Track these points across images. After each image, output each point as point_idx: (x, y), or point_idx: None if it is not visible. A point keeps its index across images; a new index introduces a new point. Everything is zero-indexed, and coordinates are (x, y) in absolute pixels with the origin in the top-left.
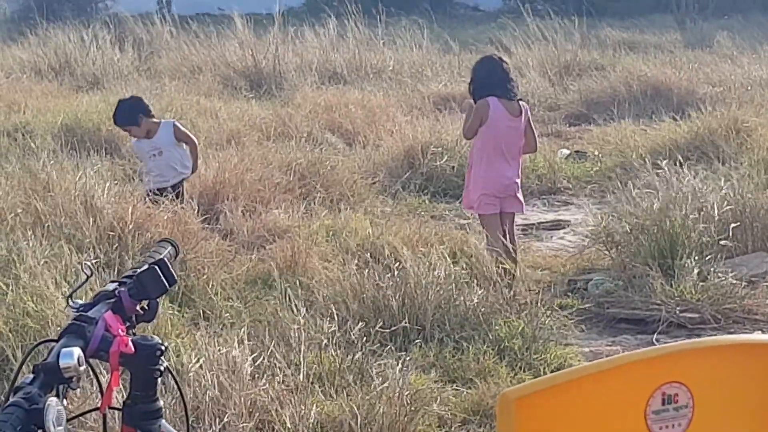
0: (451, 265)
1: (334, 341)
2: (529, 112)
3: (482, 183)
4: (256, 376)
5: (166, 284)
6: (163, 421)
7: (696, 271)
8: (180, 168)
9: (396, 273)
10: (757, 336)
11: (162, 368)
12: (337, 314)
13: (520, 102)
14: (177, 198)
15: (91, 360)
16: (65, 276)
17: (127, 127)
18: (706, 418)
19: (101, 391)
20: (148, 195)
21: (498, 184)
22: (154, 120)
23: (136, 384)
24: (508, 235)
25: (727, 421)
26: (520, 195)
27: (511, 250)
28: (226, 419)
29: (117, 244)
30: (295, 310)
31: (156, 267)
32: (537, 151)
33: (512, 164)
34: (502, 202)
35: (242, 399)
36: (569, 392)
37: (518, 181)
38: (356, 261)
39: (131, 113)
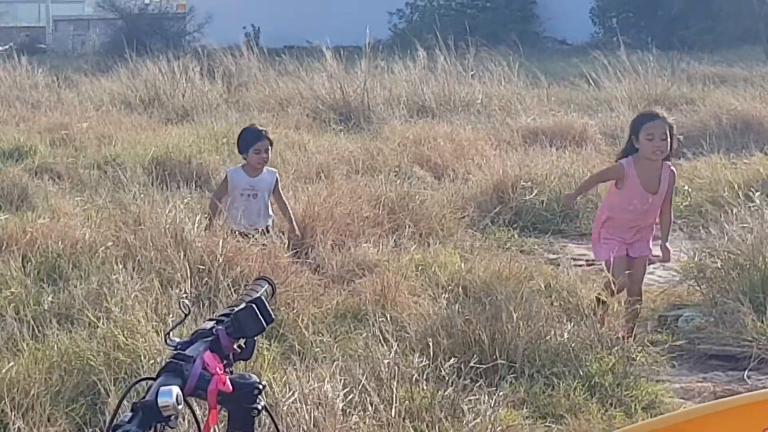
0: (542, 300)
1: (425, 376)
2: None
3: None
4: (348, 411)
5: (264, 323)
6: None
7: None
8: (269, 212)
9: (487, 308)
10: None
11: (260, 407)
12: (428, 349)
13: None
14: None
15: (188, 398)
16: (155, 310)
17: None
18: None
19: (199, 430)
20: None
21: None
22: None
23: (234, 422)
24: None
25: None
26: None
27: None
28: None
29: (207, 279)
30: (385, 345)
31: (253, 305)
32: None
33: None
34: None
35: None
36: None
37: None
38: (446, 295)
39: (243, 141)
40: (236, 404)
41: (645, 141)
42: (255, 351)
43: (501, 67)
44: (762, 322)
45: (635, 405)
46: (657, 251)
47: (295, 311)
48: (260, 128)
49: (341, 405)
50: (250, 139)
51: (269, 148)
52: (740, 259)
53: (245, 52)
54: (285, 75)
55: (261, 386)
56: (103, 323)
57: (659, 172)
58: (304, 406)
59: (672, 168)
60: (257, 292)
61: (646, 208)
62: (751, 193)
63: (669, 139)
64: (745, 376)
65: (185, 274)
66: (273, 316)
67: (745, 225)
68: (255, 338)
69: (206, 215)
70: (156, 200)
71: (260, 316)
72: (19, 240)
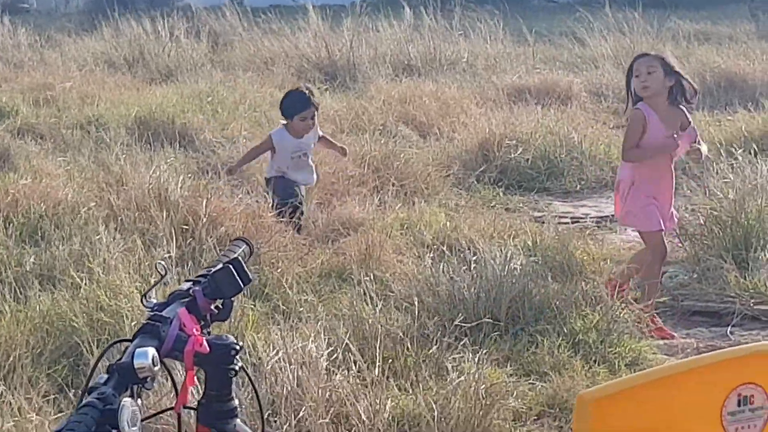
0: (527, 258)
1: (409, 335)
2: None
3: None
4: (332, 370)
5: (241, 283)
6: (239, 420)
7: None
8: (314, 169)
9: (471, 266)
10: None
11: (237, 367)
12: (412, 308)
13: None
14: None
15: (165, 359)
16: (139, 270)
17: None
18: None
19: (176, 391)
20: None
21: None
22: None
23: (211, 383)
24: None
25: None
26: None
27: None
28: (302, 413)
29: (190, 239)
30: (370, 304)
31: (231, 266)
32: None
33: None
34: None
35: (319, 392)
36: (645, 394)
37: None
38: (431, 254)
39: (289, 106)
40: (213, 365)
41: (634, 79)
42: (233, 312)
43: (487, 25)
44: (745, 278)
45: (619, 362)
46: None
47: (279, 271)
48: (306, 92)
49: (325, 364)
50: (297, 106)
51: (315, 114)
52: (722, 216)
53: (229, 11)
54: (270, 34)
55: (238, 347)
56: (85, 284)
57: (676, 113)
58: (287, 365)
59: (693, 129)
60: (235, 252)
61: (674, 141)
62: (733, 150)
63: (662, 75)
64: (728, 332)
65: (168, 235)
66: (251, 277)
67: (726, 181)
68: (232, 299)
69: (230, 162)
70: (139, 160)
71: (237, 277)
72: (0, 201)
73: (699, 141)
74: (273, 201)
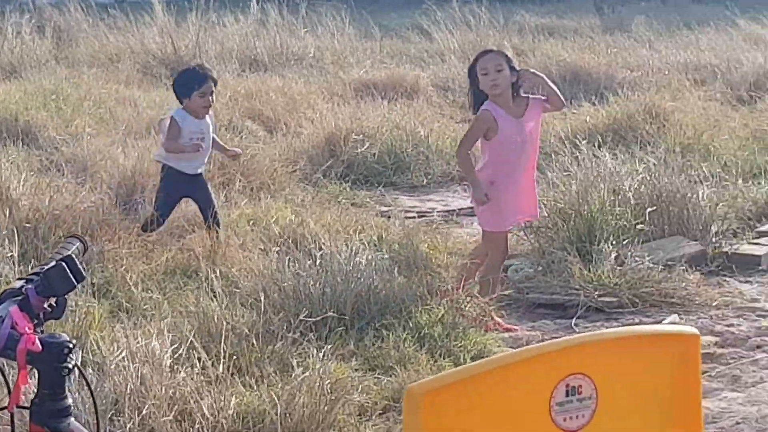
0: (373, 253)
1: (254, 331)
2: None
3: None
4: (176, 367)
5: (74, 281)
6: (73, 419)
7: (613, 255)
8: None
9: (317, 261)
10: (657, 326)
11: (71, 365)
12: (258, 304)
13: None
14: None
15: None
16: None
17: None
18: (609, 408)
19: (8, 390)
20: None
21: None
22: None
23: (44, 382)
24: None
25: (630, 412)
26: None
27: None
28: (145, 411)
29: (33, 237)
30: (215, 301)
31: (63, 264)
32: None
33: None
34: None
35: (162, 390)
36: (475, 386)
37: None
38: (277, 249)
39: (184, 84)
40: (46, 363)
41: (482, 78)
42: (66, 309)
43: (333, 20)
44: (589, 270)
45: (464, 355)
46: None
47: (123, 268)
48: (202, 69)
49: (169, 362)
50: (195, 82)
51: (213, 90)
52: (566, 208)
53: (74, 6)
54: (116, 30)
55: (71, 345)
56: None
57: (519, 103)
58: (131, 363)
59: (538, 98)
60: (68, 250)
61: (523, 138)
62: (577, 142)
63: (509, 72)
64: (572, 324)
65: (10, 233)
66: (84, 274)
67: (569, 173)
68: (66, 297)
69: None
70: None
71: (70, 274)
72: None
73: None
74: (155, 205)
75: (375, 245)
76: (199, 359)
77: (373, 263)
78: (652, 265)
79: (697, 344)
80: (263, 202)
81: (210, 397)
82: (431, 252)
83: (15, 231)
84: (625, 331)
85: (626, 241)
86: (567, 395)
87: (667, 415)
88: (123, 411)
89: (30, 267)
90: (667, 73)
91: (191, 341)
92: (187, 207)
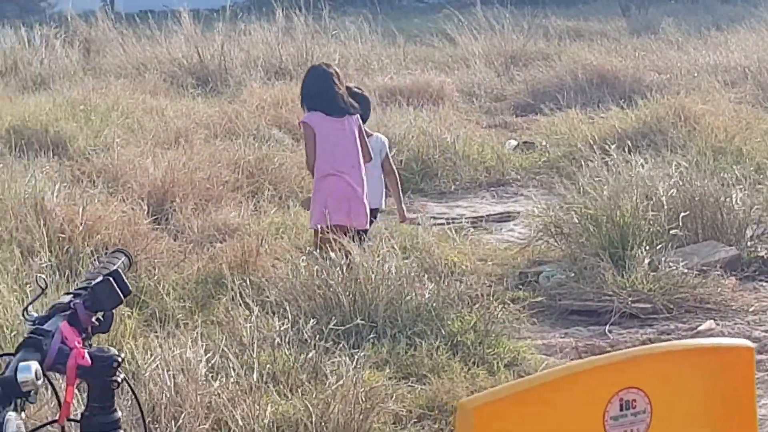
0: (402, 260)
1: (286, 340)
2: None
3: None
4: (210, 376)
5: (121, 295)
6: (122, 431)
7: (647, 260)
8: None
9: (345, 269)
10: (711, 339)
11: (119, 379)
12: (289, 312)
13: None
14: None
15: (48, 373)
16: (17, 280)
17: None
18: (663, 422)
19: (59, 404)
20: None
21: None
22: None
23: (94, 396)
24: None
25: (684, 425)
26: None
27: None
28: (181, 420)
29: (68, 247)
30: (246, 309)
31: (110, 278)
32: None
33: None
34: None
35: (198, 400)
36: (528, 400)
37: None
38: (305, 258)
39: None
40: (95, 377)
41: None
42: (113, 323)
43: (357, 27)
44: (622, 276)
45: (498, 363)
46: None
47: (155, 278)
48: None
49: (204, 371)
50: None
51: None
52: (597, 214)
53: (101, 17)
54: (142, 39)
55: (120, 359)
56: None
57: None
58: (165, 372)
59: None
60: (114, 264)
61: (340, 133)
62: (607, 147)
63: None
64: (606, 331)
65: (46, 244)
66: (130, 289)
67: (600, 179)
68: (113, 311)
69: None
70: (14, 170)
71: (117, 289)
72: None
73: None
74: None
75: (404, 252)
76: (232, 368)
77: (403, 270)
78: (686, 271)
79: (752, 357)
80: (292, 211)
81: (245, 407)
82: (460, 258)
83: (50, 241)
84: (679, 344)
85: (660, 246)
86: (621, 409)
87: (719, 427)
88: (160, 420)
89: (65, 277)
90: (696, 75)
91: (224, 350)
92: (217, 216)
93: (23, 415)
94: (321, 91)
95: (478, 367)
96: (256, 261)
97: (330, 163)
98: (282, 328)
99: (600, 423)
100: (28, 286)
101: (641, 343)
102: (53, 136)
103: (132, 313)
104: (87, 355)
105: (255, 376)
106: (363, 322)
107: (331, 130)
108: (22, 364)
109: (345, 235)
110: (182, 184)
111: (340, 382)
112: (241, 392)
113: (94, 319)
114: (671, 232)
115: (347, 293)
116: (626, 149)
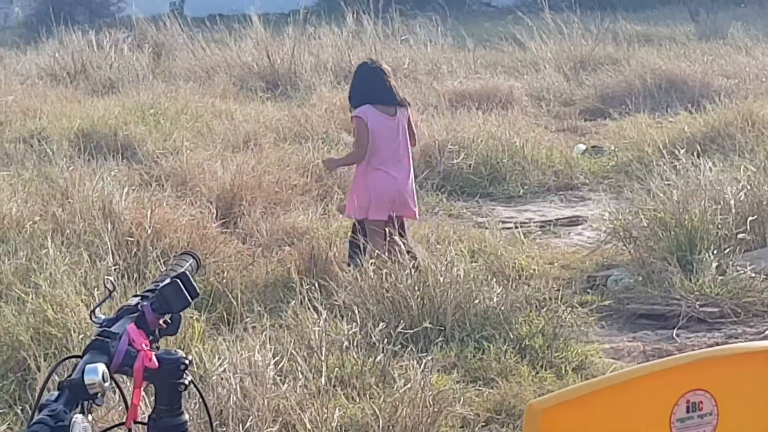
0: (470, 264)
1: (355, 343)
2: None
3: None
4: (279, 380)
5: (189, 298)
6: None
7: (715, 265)
8: None
9: (413, 273)
10: None
11: (186, 382)
12: (357, 316)
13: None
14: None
15: (115, 375)
16: (85, 283)
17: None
18: (730, 424)
19: (126, 406)
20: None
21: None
22: None
23: (161, 398)
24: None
25: (750, 427)
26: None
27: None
28: (249, 423)
29: (135, 250)
30: (315, 313)
31: (178, 281)
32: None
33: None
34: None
35: (265, 403)
36: (595, 402)
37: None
38: (373, 261)
39: None
40: (163, 380)
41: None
42: (181, 326)
43: (426, 30)
44: (690, 280)
45: (565, 366)
46: None
47: (224, 281)
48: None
49: (272, 374)
50: None
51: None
52: (666, 218)
53: (170, 21)
54: (212, 43)
55: (187, 361)
56: (32, 298)
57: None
58: (233, 376)
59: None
60: (182, 267)
61: (394, 125)
62: (676, 151)
63: None
64: (674, 335)
65: (114, 247)
66: (198, 291)
67: (669, 183)
68: (180, 313)
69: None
70: (83, 173)
71: (185, 291)
72: None
73: None
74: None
75: (472, 256)
76: (300, 372)
77: (471, 274)
78: (754, 275)
79: None
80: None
81: (313, 410)
82: (528, 262)
83: (118, 244)
84: (746, 347)
85: (727, 250)
86: (688, 411)
87: None
88: (227, 423)
89: (133, 280)
90: (764, 80)
91: (292, 353)
92: (286, 219)
93: (90, 417)
94: (373, 86)
95: (545, 370)
96: (324, 265)
97: (378, 158)
98: (350, 332)
99: (666, 425)
100: (95, 289)
101: (708, 347)
102: (122, 139)
103: (200, 316)
104: (154, 358)
105: (323, 379)
106: (431, 325)
107: (383, 126)
108: (89, 366)
109: (386, 225)
110: (251, 187)
111: (408, 385)
112: (309, 396)
113: (161, 322)
114: (739, 236)
115: (416, 297)
116: (695, 153)
